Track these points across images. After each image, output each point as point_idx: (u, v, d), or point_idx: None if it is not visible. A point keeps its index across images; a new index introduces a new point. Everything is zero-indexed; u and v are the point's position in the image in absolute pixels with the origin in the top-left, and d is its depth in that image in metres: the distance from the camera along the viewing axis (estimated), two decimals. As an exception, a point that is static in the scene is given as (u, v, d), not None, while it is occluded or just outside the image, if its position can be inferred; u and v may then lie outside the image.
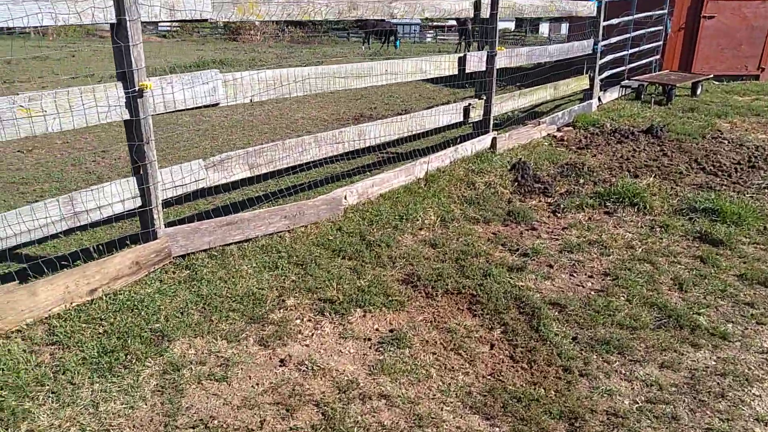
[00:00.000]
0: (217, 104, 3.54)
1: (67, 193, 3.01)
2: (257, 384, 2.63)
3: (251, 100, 3.70)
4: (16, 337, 2.75)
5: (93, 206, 3.10)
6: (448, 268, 3.64)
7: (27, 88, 9.63)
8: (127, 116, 3.12)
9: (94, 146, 6.68)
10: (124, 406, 2.44)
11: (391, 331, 3.05)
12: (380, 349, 2.89)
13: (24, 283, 2.87)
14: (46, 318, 2.88)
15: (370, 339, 2.98)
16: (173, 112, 3.36)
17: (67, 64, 15.50)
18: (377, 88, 10.28)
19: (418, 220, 4.35)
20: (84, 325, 2.88)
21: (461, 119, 5.69)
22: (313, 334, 3.00)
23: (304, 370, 2.72)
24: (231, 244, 3.69)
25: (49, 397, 2.46)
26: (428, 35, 40.25)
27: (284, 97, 3.91)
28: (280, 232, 3.94)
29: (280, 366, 2.75)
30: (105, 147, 6.59)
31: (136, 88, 3.06)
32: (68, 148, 6.61)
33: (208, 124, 7.71)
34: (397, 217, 4.35)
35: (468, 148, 5.67)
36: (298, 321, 3.10)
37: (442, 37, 37.99)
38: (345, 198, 4.36)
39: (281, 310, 3.17)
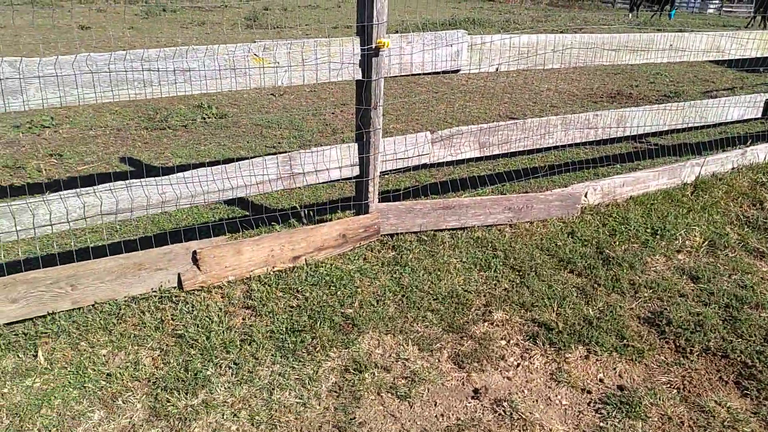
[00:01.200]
0: (458, 70, 3.07)
1: (286, 153, 2.86)
2: (441, 415, 2.19)
3: (497, 69, 3.15)
4: (216, 294, 2.71)
5: (310, 169, 2.91)
6: (713, 316, 2.73)
7: (289, 35, 10.35)
8: (359, 76, 2.82)
9: (336, 98, 6.81)
10: (297, 400, 2.21)
11: (620, 387, 2.35)
12: (602, 411, 2.23)
13: (232, 240, 2.81)
14: (247, 279, 2.81)
15: (590, 392, 2.32)
16: (408, 75, 2.98)
17: (333, 13, 16.54)
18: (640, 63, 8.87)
19: (677, 239, 3.42)
20: (280, 294, 2.74)
21: (759, 115, 4.39)
22: (518, 365, 2.45)
23: (500, 414, 2.20)
24: (444, 230, 3.27)
25: (231, 368, 2.34)
26: (711, 5, 34.54)
27: (536, 67, 3.27)
28: (501, 225, 3.40)
29: (473, 398, 2.27)
30: (346, 100, 6.66)
31: (373, 46, 2.73)
32: (314, 97, 6.83)
33: (447, 87, 7.36)
34: (648, 231, 3.48)
35: (762, 153, 4.38)
36: (503, 342, 2.57)
37: (728, 9, 32.22)
38: (585, 196, 3.62)
39: (485, 324, 2.67)
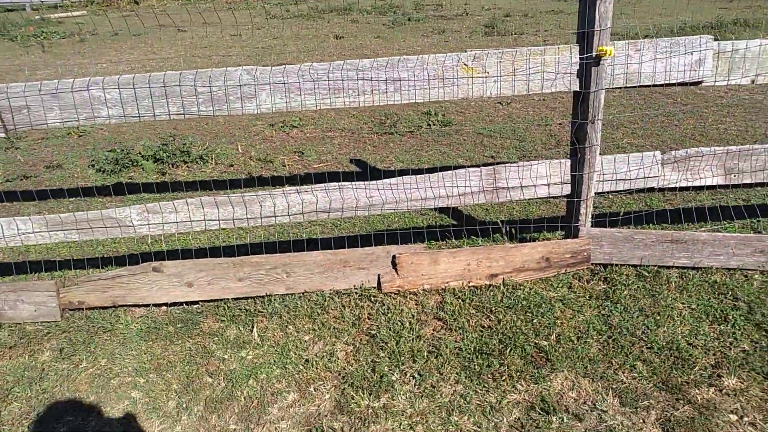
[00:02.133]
0: (699, 82, 2.63)
1: (491, 165, 2.76)
2: (636, 484, 1.89)
3: (753, 81, 2.63)
4: (410, 300, 2.75)
5: (515, 184, 2.77)
6: None
7: (528, 42, 10.14)
8: (575, 87, 2.60)
9: (566, 108, 6.45)
10: (475, 428, 2.12)
11: None
12: None
13: (430, 249, 2.82)
14: (442, 290, 2.79)
15: None
16: (636, 87, 2.65)
17: (576, 18, 15.77)
18: None
19: None
20: (473, 311, 2.66)
21: None
22: (748, 448, 2.00)
23: (712, 501, 1.82)
24: (671, 267, 2.85)
25: (414, 378, 2.34)
26: None
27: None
28: (747, 270, 2.83)
29: (679, 473, 1.92)
30: (576, 110, 6.27)
31: (593, 54, 2.48)
32: (543, 106, 6.57)
33: (700, 99, 6.45)
34: None
35: None
36: (732, 417, 2.13)
37: None
38: None
39: (711, 390, 2.24)
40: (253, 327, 2.63)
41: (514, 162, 2.79)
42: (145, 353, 2.53)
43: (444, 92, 2.54)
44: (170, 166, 4.73)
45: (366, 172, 4.52)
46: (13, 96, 2.34)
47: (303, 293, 2.78)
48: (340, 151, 5.14)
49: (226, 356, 2.51)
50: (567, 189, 2.79)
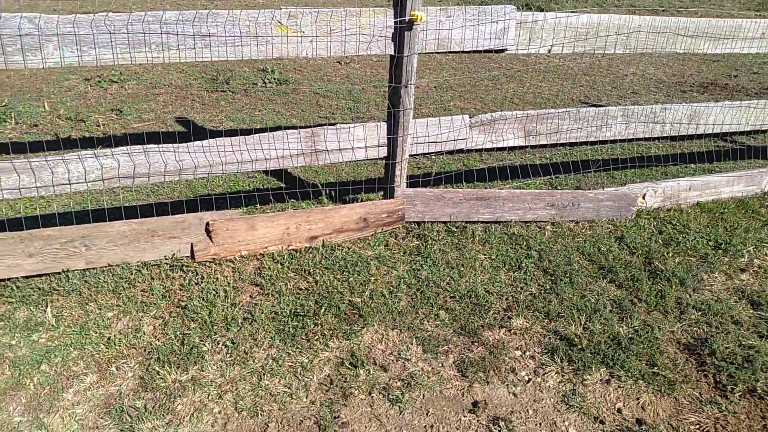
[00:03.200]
0: (503, 50, 2.81)
1: (310, 127, 2.74)
2: (431, 426, 2.05)
3: (549, 51, 2.86)
4: (226, 267, 2.68)
5: (334, 147, 2.78)
6: (768, 351, 2.40)
7: (349, 3, 10.14)
8: (390, 51, 2.64)
9: (402, 69, 6.59)
10: (285, 389, 2.14)
11: (639, 421, 2.10)
12: (612, 446, 2.01)
13: (246, 214, 2.75)
14: (261, 255, 2.74)
15: (603, 422, 2.10)
16: (446, 53, 2.76)
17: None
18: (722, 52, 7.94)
19: (743, 255, 3.03)
20: (291, 275, 2.66)
21: None
22: (529, 381, 2.25)
23: (494, 434, 2.03)
24: (476, 222, 3.06)
25: (227, 346, 2.30)
26: None
27: (595, 51, 2.94)
28: (541, 222, 3.14)
29: (470, 412, 2.11)
30: (411, 71, 6.44)
31: (406, 18, 2.53)
32: (380, 67, 6.65)
33: (522, 64, 6.94)
34: (710, 244, 3.10)
35: None
36: (517, 353, 2.38)
37: None
38: (642, 197, 3.28)
39: (502, 330, 2.47)
40: (47, 307, 2.40)
41: (333, 124, 2.78)
42: None
43: (257, 50, 2.43)
44: (-46, 126, 4.09)
45: (192, 132, 4.26)
46: None
47: (106, 267, 2.58)
48: (164, 110, 4.79)
49: (13, 342, 2.26)
50: (384, 152, 2.86)
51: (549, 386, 2.23)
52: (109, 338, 2.30)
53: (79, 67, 2.16)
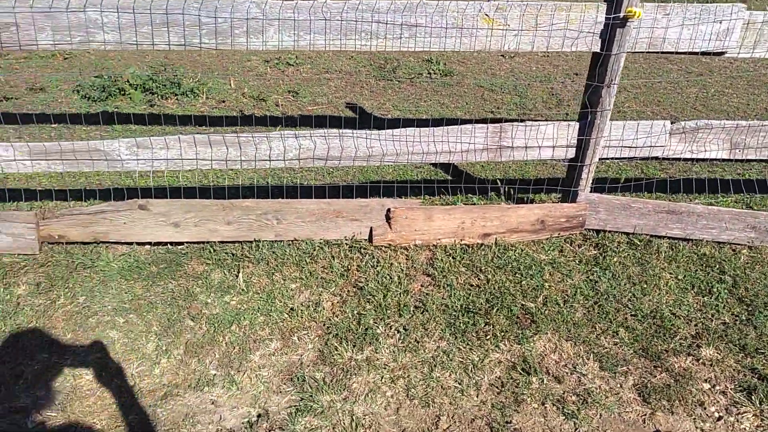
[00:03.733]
0: (722, 53, 2.54)
1: (498, 123, 2.68)
2: (611, 450, 1.93)
3: (775, 55, 2.54)
4: (401, 254, 2.71)
5: (520, 144, 2.70)
6: None
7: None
8: (596, 48, 2.49)
9: (570, 66, 6.29)
10: (456, 384, 2.13)
11: None
12: None
13: (425, 204, 2.76)
14: (433, 246, 2.75)
15: (815, 482, 1.84)
16: (659, 53, 2.55)
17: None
18: None
19: None
20: (463, 269, 2.64)
21: None
22: (720, 419, 2.04)
23: (683, 471, 1.86)
24: (663, 237, 2.83)
25: (399, 332, 2.33)
26: None
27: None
28: (737, 244, 2.83)
29: (653, 442, 1.96)
30: (580, 70, 6.12)
31: (621, 14, 2.37)
32: (546, 63, 6.41)
33: (705, 67, 6.32)
34: None
35: None
36: (705, 386, 2.16)
37: None
38: None
39: (688, 359, 2.26)
40: (239, 272, 2.59)
41: (522, 121, 2.70)
42: (125, 292, 2.49)
43: (460, 42, 2.42)
44: (159, 97, 4.56)
45: (361, 118, 4.39)
46: (2, 11, 2.18)
47: (292, 241, 2.73)
48: (335, 94, 4.99)
49: (209, 300, 2.48)
50: (571, 152, 2.73)
51: (744, 429, 2.00)
52: (292, 308, 2.44)
53: (294, 51, 2.32)
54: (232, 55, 5.85)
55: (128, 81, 4.69)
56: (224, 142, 2.57)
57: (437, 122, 4.16)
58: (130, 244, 2.70)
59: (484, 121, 2.79)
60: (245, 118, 4.41)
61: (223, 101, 4.69)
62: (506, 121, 2.71)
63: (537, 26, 2.45)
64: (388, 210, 2.66)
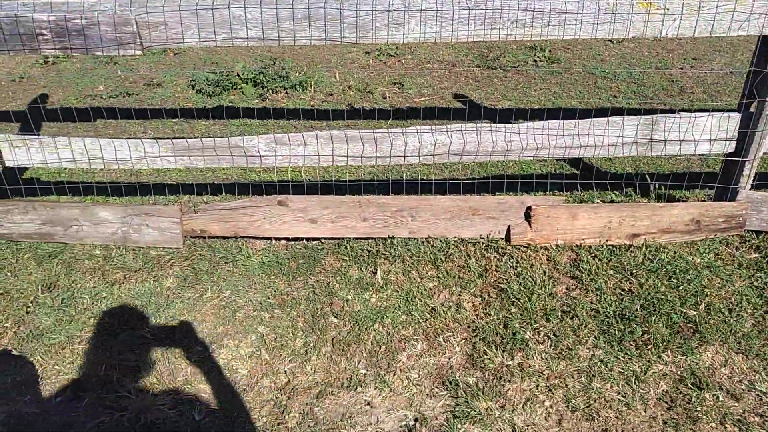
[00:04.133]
0: None
1: (650, 115, 2.49)
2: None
3: None
4: (542, 255, 2.59)
5: (674, 137, 2.50)
6: None
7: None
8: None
9: (685, 50, 5.88)
10: (619, 397, 2.00)
11: None
12: None
13: (568, 202, 2.62)
14: (576, 246, 2.61)
15: None
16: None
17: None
18: None
19: None
20: (611, 272, 2.48)
21: None
22: None
23: None
24: (835, 240, 2.55)
25: (549, 338, 2.22)
26: None
27: None
28: None
29: None
30: (698, 54, 5.71)
31: (799, -6, 2.13)
32: (659, 47, 6.02)
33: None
34: None
35: None
36: None
37: None
38: None
39: None
40: (376, 269, 2.55)
41: (672, 111, 2.51)
42: (268, 287, 2.51)
43: (613, 29, 2.26)
44: (270, 91, 4.62)
45: (471, 109, 4.27)
46: (152, 11, 2.23)
47: (426, 238, 2.66)
48: (440, 85, 4.88)
49: (349, 297, 2.45)
50: (731, 146, 2.50)
51: None
52: (433, 308, 2.38)
53: (435, 43, 2.25)
54: (333, 48, 5.86)
55: (239, 75, 4.78)
56: (360, 139, 2.54)
57: (553, 113, 3.99)
58: (268, 239, 2.73)
59: (636, 112, 2.60)
60: (354, 111, 4.39)
61: (331, 94, 4.70)
62: (661, 112, 2.51)
63: (700, 8, 2.25)
64: (529, 208, 2.54)
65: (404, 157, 2.56)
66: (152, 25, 2.26)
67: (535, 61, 5.42)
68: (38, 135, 2.57)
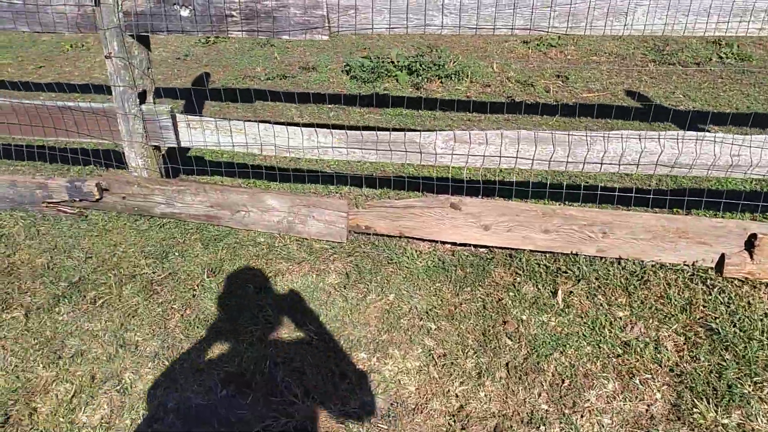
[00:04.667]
0: None
1: None
2: None
3: None
4: (763, 293, 2.16)
5: None
6: None
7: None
8: None
9: None
10: None
11: None
12: None
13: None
14: (811, 287, 2.15)
15: None
16: None
17: None
18: None
19: None
20: None
21: None
22: None
23: None
24: None
25: (781, 399, 1.82)
26: None
27: None
28: None
29: None
30: None
31: None
32: None
33: None
34: None
35: None
36: None
37: None
38: None
39: None
40: (556, 289, 2.27)
41: None
42: (434, 295, 2.32)
43: None
44: (425, 80, 4.43)
45: (649, 109, 3.80)
46: (344, -6, 2.09)
47: (617, 259, 2.33)
48: (610, 80, 4.43)
49: (524, 317, 2.20)
50: None
51: None
52: (626, 343, 2.06)
53: (662, 36, 1.98)
54: (489, 36, 5.55)
55: (392, 62, 4.64)
56: (552, 141, 2.25)
57: (759, 120, 3.42)
58: (434, 242, 2.54)
59: None
60: (513, 104, 4.08)
61: (488, 85, 4.42)
62: None
63: None
64: (753, 235, 2.13)
65: (601, 164, 2.24)
66: (342, 9, 2.13)
67: (720, 57, 4.78)
68: (213, 118, 2.56)
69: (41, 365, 2.04)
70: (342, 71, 4.75)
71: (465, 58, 4.86)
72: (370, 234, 2.57)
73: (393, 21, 2.11)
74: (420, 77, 4.43)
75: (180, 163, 3.11)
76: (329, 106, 4.15)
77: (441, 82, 4.44)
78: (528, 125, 3.75)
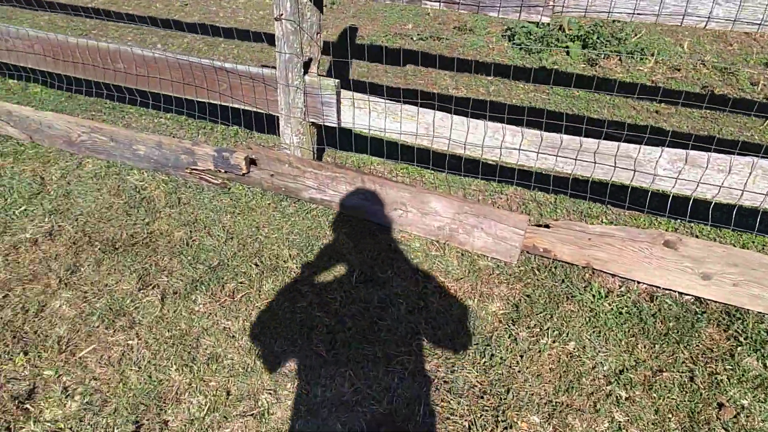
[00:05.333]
0: None
1: None
2: None
3: None
4: None
5: None
6: None
7: None
8: None
9: None
10: None
11: None
12: None
13: None
14: None
15: None
16: None
17: None
18: None
19: None
20: None
21: None
22: None
23: None
24: None
25: None
26: None
27: None
28: None
29: None
30: None
31: None
32: None
33: None
34: None
35: None
36: None
37: None
38: None
39: None
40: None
41: None
42: (625, 351, 1.88)
43: None
44: (601, 56, 3.81)
45: None
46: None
47: None
48: (838, 77, 3.57)
49: (745, 402, 1.72)
50: None
51: None
52: None
53: None
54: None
55: (564, 30, 4.03)
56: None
57: None
58: (627, 280, 2.08)
59: None
60: (711, 97, 3.39)
61: (678, 69, 3.72)
62: None
63: None
64: None
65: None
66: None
67: None
68: (383, 99, 2.20)
69: (174, 366, 1.86)
70: (502, 36, 4.21)
71: (648, 33, 4.14)
72: (549, 258, 2.15)
73: (641, 5, 1.60)
74: (596, 51, 3.81)
75: (324, 138, 2.82)
76: (488, 78, 3.67)
77: (620, 60, 3.80)
78: (731, 126, 3.08)
